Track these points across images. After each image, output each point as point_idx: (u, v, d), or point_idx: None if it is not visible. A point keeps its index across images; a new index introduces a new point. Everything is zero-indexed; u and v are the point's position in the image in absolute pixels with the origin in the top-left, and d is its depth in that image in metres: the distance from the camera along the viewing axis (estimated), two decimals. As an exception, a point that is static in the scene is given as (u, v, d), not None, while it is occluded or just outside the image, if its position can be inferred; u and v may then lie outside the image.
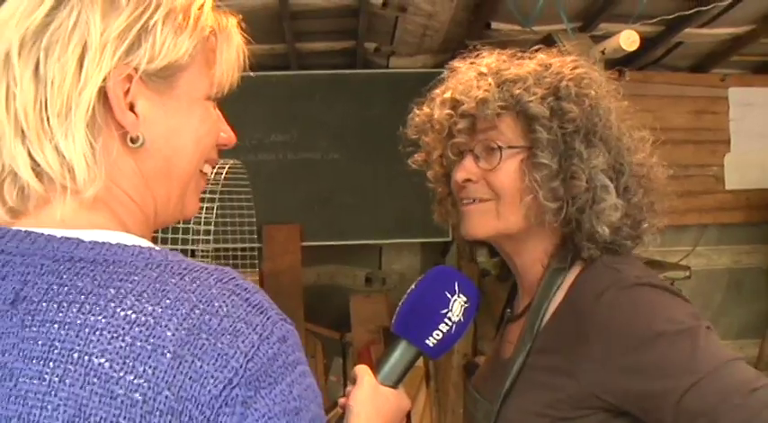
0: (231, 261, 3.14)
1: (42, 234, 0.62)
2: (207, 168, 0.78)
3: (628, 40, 2.37)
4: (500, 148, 1.02)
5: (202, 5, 0.71)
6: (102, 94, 0.64)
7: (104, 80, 0.63)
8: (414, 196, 4.01)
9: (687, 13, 3.08)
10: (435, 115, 1.11)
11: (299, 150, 3.80)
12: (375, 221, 3.88)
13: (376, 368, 0.97)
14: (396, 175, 3.89)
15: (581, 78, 1.01)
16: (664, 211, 1.05)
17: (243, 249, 3.19)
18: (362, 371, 0.95)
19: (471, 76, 1.08)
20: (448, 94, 1.10)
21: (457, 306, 0.92)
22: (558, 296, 1.00)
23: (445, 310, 0.92)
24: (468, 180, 1.05)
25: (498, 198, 1.02)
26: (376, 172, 3.85)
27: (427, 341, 0.93)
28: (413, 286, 1.02)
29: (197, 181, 0.76)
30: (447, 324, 0.92)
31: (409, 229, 3.91)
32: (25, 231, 0.63)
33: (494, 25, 3.39)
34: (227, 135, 0.80)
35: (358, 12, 3.20)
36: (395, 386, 0.95)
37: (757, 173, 3.84)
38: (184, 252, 2.36)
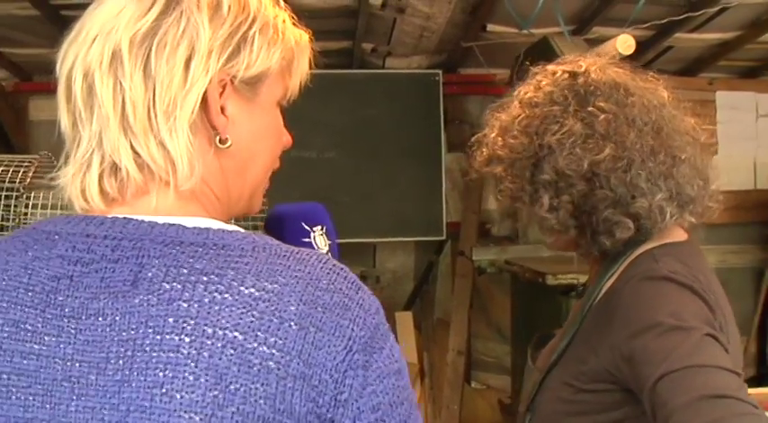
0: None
1: (144, 220, 0.67)
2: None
3: (624, 44, 2.43)
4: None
5: (285, 20, 0.77)
6: (203, 96, 0.69)
7: (208, 83, 0.68)
8: (409, 196, 4.11)
9: (678, 18, 3.16)
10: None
11: (295, 149, 3.76)
12: (370, 220, 3.90)
13: None
14: (391, 174, 3.96)
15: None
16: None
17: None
18: None
19: (502, 127, 1.18)
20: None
21: (320, 241, 0.88)
22: (611, 280, 1.07)
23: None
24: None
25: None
26: (371, 171, 3.90)
27: None
28: None
29: (265, 182, 0.81)
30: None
31: (404, 228, 3.96)
32: (125, 218, 0.67)
33: (489, 27, 3.45)
34: (287, 138, 0.85)
35: (356, 12, 3.25)
36: None
37: (743, 175, 3.94)
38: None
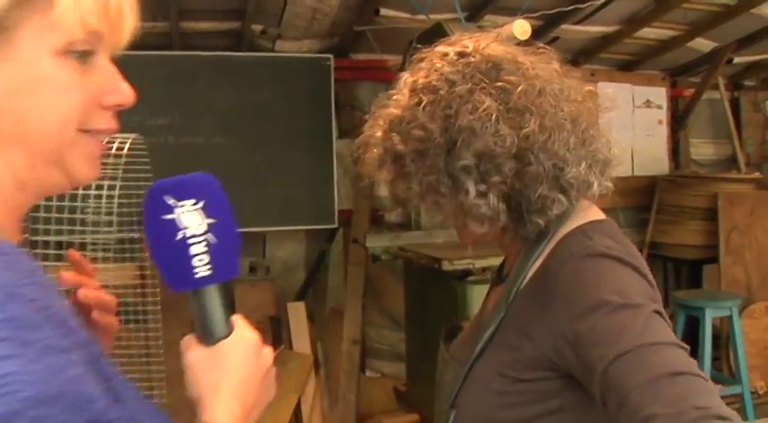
0: (112, 253, 2.94)
1: None
2: (96, 132, 0.70)
3: (521, 28, 2.46)
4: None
5: None
6: None
7: None
8: (299, 183, 4.02)
9: (566, 9, 3.25)
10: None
11: (181, 135, 3.64)
12: (259, 209, 3.78)
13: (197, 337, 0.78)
14: (281, 161, 3.85)
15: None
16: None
17: (122, 241, 3.00)
18: (185, 345, 0.77)
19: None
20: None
21: (188, 218, 0.73)
22: (538, 261, 1.02)
23: (180, 233, 0.73)
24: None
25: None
26: (260, 158, 3.78)
27: (197, 274, 0.74)
28: None
29: (79, 144, 0.68)
30: (195, 241, 0.73)
31: (294, 217, 3.88)
32: None
33: (383, 12, 3.41)
34: (118, 94, 0.71)
35: (246, -9, 3.11)
36: (224, 335, 0.76)
37: (622, 163, 4.13)
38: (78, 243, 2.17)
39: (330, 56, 3.83)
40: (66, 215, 2.07)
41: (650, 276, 0.95)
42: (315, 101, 3.83)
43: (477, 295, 2.96)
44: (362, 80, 4.10)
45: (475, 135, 0.96)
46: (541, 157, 0.96)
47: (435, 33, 3.07)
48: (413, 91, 1.03)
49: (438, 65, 1.02)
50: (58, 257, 1.74)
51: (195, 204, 0.73)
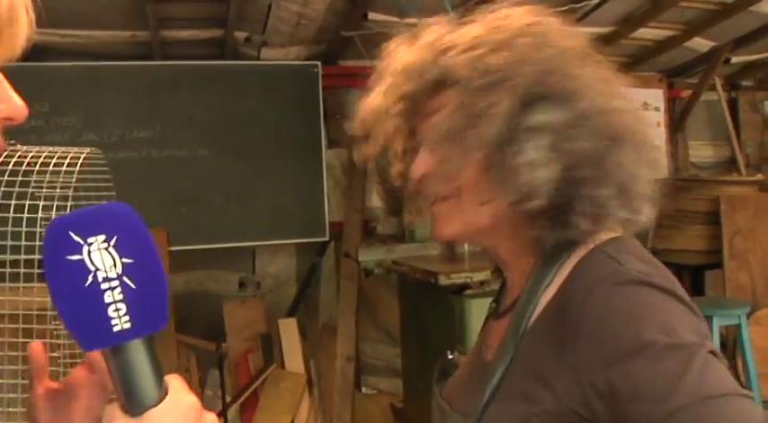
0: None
1: None
2: None
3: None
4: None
5: None
6: None
7: None
8: (288, 195, 3.89)
9: (561, 9, 3.13)
10: (381, 105, 0.92)
11: (163, 147, 3.51)
12: (247, 222, 3.68)
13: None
14: (268, 172, 3.74)
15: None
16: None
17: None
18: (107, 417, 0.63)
19: (408, 52, 0.90)
20: (389, 78, 0.91)
21: (99, 258, 0.60)
22: (551, 290, 0.84)
23: (90, 277, 0.60)
24: (426, 174, 0.88)
25: (459, 193, 0.86)
26: (247, 170, 3.67)
27: (114, 328, 0.60)
28: None
29: None
30: (107, 287, 0.60)
31: (284, 230, 3.76)
32: None
33: (371, 16, 3.29)
34: (6, 106, 0.61)
35: (228, -4, 2.99)
36: (155, 402, 0.62)
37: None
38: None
39: (317, 63, 3.73)
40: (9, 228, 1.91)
41: (695, 306, 0.78)
42: (302, 110, 3.73)
43: (476, 309, 2.84)
44: (352, 87, 3.98)
45: (578, 96, 0.80)
46: (622, 156, 0.81)
47: (426, 37, 2.97)
48: (492, 28, 0.85)
49: (527, 21, 0.86)
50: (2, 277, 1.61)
51: (106, 241, 0.60)
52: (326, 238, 3.85)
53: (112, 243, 0.59)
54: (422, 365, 3.25)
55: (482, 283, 2.81)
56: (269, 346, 3.58)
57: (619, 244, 0.84)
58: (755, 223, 4.14)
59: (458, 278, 2.83)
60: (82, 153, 1.63)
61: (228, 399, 3.40)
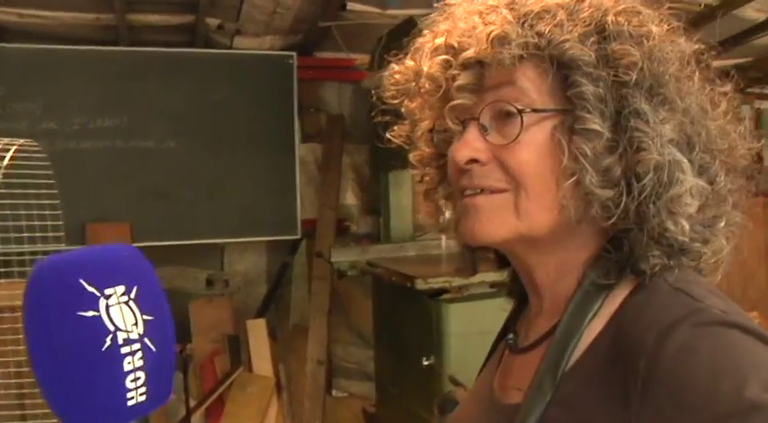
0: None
1: None
2: None
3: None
4: (521, 111, 0.69)
5: None
6: None
7: None
8: (259, 190, 3.76)
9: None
10: (425, 68, 0.74)
11: (129, 138, 3.36)
12: (216, 218, 3.55)
13: None
14: (240, 166, 3.60)
15: (632, 11, 0.70)
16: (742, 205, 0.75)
17: (46, 253, 2.69)
18: None
19: (475, 10, 0.72)
20: (441, 40, 0.73)
21: (119, 313, 0.48)
22: (597, 324, 0.69)
23: (108, 339, 0.47)
24: (474, 161, 0.72)
25: (518, 187, 0.70)
26: (218, 163, 3.53)
27: (129, 403, 0.49)
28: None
29: None
30: (128, 350, 0.48)
31: (254, 227, 3.64)
32: None
33: (349, 6, 3.17)
34: None
35: (200, -19, 2.84)
36: None
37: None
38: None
39: (293, 54, 3.59)
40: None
41: None
42: (276, 102, 3.61)
43: (454, 314, 2.74)
44: (327, 80, 3.88)
45: (685, 92, 0.69)
46: (718, 168, 0.71)
47: (408, 30, 2.84)
48: None
49: None
50: None
51: (126, 293, 0.48)
52: (298, 237, 3.73)
53: (132, 295, 0.47)
54: (396, 369, 3.14)
55: (460, 287, 2.70)
56: (236, 348, 3.45)
57: (679, 273, 0.69)
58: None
59: (435, 283, 2.72)
60: (13, 145, 1.48)
61: (193, 403, 3.25)
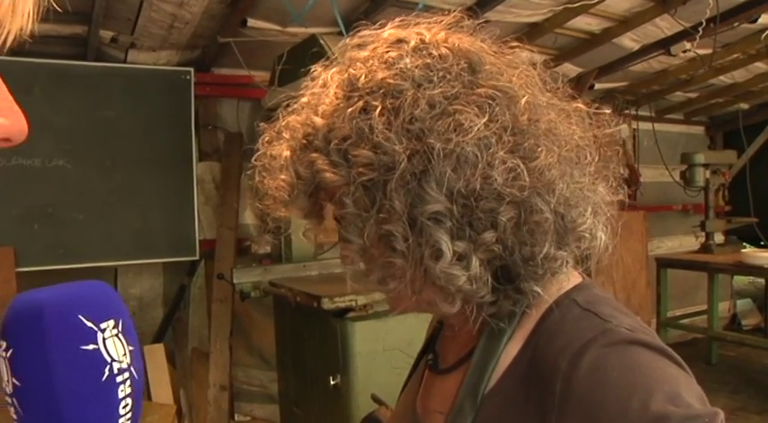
0: None
1: None
2: None
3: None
4: (336, 219, 0.74)
5: None
6: None
7: None
8: (155, 211, 3.62)
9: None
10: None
11: (11, 155, 3.15)
12: (108, 240, 3.38)
13: None
14: (133, 186, 3.46)
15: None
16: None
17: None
18: None
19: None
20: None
21: (113, 345, 0.51)
22: (513, 347, 0.71)
23: (107, 369, 0.50)
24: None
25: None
26: (109, 183, 3.38)
27: None
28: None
29: None
30: (121, 379, 0.51)
31: (150, 248, 3.49)
32: None
33: (250, 22, 3.13)
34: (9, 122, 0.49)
35: (93, -9, 2.72)
36: None
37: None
38: None
39: (190, 69, 3.51)
40: None
41: (685, 364, 0.67)
42: (173, 119, 3.50)
43: (359, 332, 2.73)
44: (226, 97, 3.81)
45: (459, 166, 0.65)
46: (551, 200, 0.67)
47: (309, 48, 2.83)
48: (351, 90, 0.69)
49: (392, 55, 0.69)
50: None
51: (116, 326, 0.52)
52: (197, 257, 3.61)
53: (120, 328, 0.51)
54: (301, 391, 3.09)
55: (365, 305, 2.70)
56: None
57: (588, 292, 0.73)
58: (618, 241, 4.35)
59: (341, 302, 2.70)
60: None
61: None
